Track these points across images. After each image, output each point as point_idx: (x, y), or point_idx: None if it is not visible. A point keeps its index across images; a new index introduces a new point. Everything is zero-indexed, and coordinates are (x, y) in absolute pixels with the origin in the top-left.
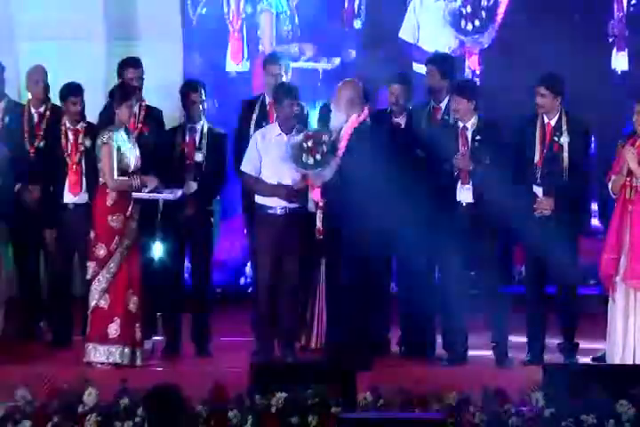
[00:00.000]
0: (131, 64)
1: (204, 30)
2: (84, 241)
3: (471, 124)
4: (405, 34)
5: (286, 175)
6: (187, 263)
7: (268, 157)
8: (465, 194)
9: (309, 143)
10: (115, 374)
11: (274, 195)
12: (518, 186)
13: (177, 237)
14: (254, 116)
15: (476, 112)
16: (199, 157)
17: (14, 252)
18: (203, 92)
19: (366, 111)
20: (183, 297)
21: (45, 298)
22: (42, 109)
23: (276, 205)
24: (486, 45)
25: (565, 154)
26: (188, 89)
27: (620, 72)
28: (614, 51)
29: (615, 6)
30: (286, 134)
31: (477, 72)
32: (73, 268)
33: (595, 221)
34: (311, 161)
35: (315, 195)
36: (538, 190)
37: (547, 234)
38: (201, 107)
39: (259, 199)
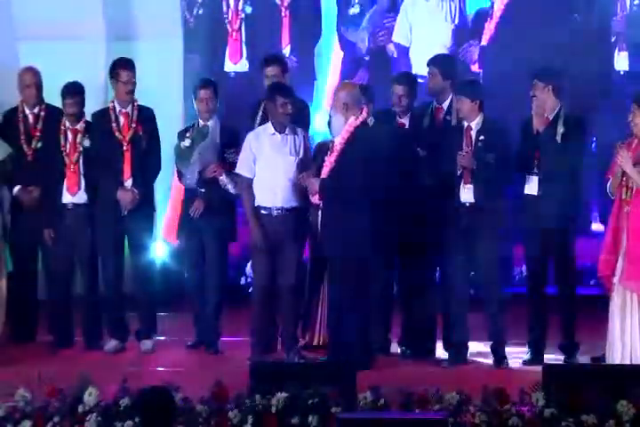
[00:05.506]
0: (125, 66)
1: (203, 31)
2: (84, 241)
3: (475, 123)
4: (399, 37)
5: (281, 175)
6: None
7: (263, 157)
8: (467, 194)
9: None
10: (115, 374)
11: (250, 221)
12: (518, 187)
13: (197, 234)
14: (258, 118)
15: (481, 112)
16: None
17: (13, 252)
18: (213, 90)
19: (365, 113)
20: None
21: (45, 298)
22: (36, 110)
23: (272, 205)
24: (485, 39)
25: (561, 144)
26: (199, 86)
27: (622, 72)
28: (616, 50)
29: (618, 5)
30: (280, 133)
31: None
32: (72, 268)
33: (596, 222)
34: None
35: (315, 199)
36: (534, 180)
37: (546, 233)
38: (211, 105)
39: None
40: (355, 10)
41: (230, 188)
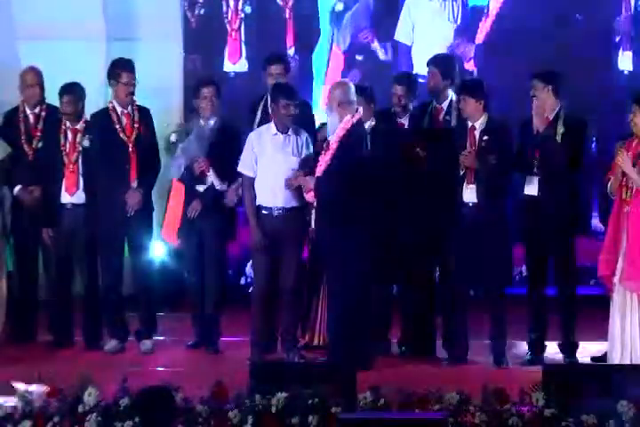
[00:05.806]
0: (125, 67)
1: (202, 30)
2: (82, 241)
3: (479, 123)
4: (401, 36)
5: (283, 175)
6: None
7: (264, 157)
8: (470, 194)
9: None
10: (115, 374)
11: (250, 220)
12: (518, 187)
13: (197, 234)
14: (257, 117)
15: (485, 112)
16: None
17: (13, 252)
18: (216, 88)
19: (360, 112)
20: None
21: (45, 298)
22: (37, 110)
23: (273, 205)
24: (480, 37)
25: (561, 144)
26: (201, 84)
27: (626, 72)
28: (620, 50)
29: (623, 5)
30: (282, 133)
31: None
32: (72, 268)
33: (596, 222)
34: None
35: (309, 196)
36: (534, 180)
37: (546, 234)
38: (213, 103)
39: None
40: (339, 7)
41: (217, 184)
